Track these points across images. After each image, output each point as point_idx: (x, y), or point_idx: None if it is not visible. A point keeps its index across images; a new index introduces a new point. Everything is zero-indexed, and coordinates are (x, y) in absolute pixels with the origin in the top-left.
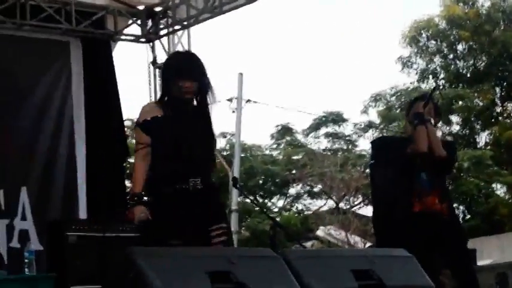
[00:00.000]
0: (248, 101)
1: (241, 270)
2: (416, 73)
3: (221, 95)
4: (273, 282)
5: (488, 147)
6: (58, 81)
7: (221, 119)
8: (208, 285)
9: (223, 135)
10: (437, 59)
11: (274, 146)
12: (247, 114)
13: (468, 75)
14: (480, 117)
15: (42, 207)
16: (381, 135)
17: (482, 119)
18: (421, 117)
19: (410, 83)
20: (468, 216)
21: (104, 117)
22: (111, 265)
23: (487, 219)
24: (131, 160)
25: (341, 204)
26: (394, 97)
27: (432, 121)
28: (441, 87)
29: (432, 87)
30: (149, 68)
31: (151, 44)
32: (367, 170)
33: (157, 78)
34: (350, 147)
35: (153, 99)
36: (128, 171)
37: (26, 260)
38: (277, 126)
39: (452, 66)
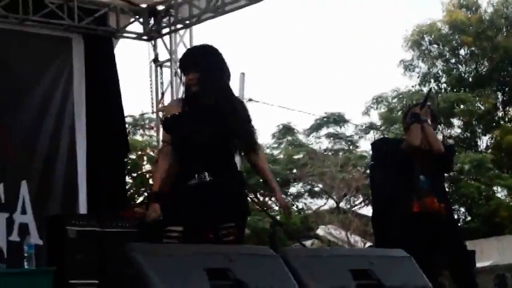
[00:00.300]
0: (250, 100)
1: (240, 268)
2: (418, 76)
3: None
4: (271, 281)
5: (489, 150)
6: (60, 77)
7: None
8: (206, 282)
9: None
10: (439, 63)
11: (275, 145)
12: None
13: (470, 80)
14: (481, 121)
15: (42, 201)
16: (381, 136)
17: (484, 123)
18: (417, 117)
19: (412, 86)
20: (468, 218)
21: (105, 114)
22: (110, 260)
23: (487, 222)
24: (132, 156)
25: (341, 204)
26: (395, 99)
27: (429, 121)
28: (442, 91)
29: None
30: (151, 66)
31: (153, 42)
32: (368, 171)
33: (159, 76)
34: (351, 148)
35: (154, 97)
36: (128, 167)
37: (26, 254)
38: (279, 125)
39: (455, 71)
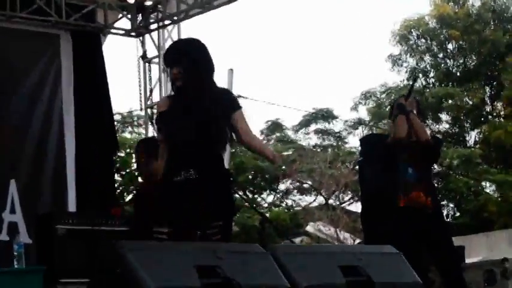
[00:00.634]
0: (238, 96)
1: (229, 265)
2: (406, 71)
3: None
4: (260, 278)
5: (478, 145)
6: (48, 74)
7: None
8: (196, 279)
9: None
10: (427, 58)
11: (264, 141)
12: None
13: (458, 74)
14: (470, 115)
15: (31, 200)
16: (370, 132)
17: (472, 118)
18: (402, 108)
19: (400, 81)
20: (457, 214)
21: (93, 111)
22: (100, 258)
23: (476, 217)
24: (121, 154)
25: (330, 201)
26: (384, 95)
27: (414, 111)
28: (431, 85)
29: (412, 79)
30: (139, 62)
31: (141, 38)
32: (357, 167)
33: (147, 72)
34: (340, 143)
35: (142, 94)
36: (117, 165)
37: (15, 253)
38: (267, 122)
39: (442, 65)
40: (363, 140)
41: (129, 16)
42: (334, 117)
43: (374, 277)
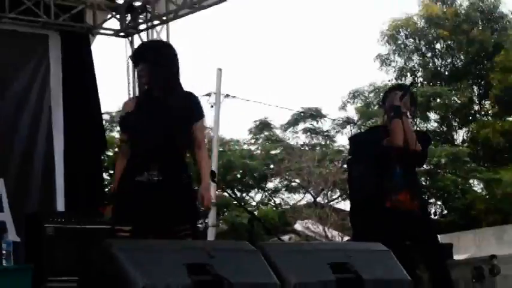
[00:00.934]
0: (227, 95)
1: (219, 263)
2: (395, 71)
3: (199, 89)
4: (250, 275)
5: (466, 144)
6: (36, 74)
7: None
8: (186, 277)
9: None
10: (415, 57)
11: (253, 140)
12: (225, 109)
13: (446, 74)
14: (458, 114)
15: (20, 198)
16: (358, 131)
17: (460, 117)
18: (397, 110)
19: (389, 81)
20: (445, 212)
21: (82, 111)
22: (90, 257)
23: (464, 215)
24: (109, 153)
25: (319, 199)
26: (372, 94)
27: (408, 114)
28: (419, 85)
29: (410, 82)
30: (128, 62)
31: (130, 38)
32: (345, 165)
33: (136, 73)
34: (328, 142)
35: (131, 93)
36: (105, 164)
37: (4, 252)
38: (256, 121)
39: (431, 65)
40: (352, 139)
41: (118, 16)
42: (323, 116)
43: (363, 274)
